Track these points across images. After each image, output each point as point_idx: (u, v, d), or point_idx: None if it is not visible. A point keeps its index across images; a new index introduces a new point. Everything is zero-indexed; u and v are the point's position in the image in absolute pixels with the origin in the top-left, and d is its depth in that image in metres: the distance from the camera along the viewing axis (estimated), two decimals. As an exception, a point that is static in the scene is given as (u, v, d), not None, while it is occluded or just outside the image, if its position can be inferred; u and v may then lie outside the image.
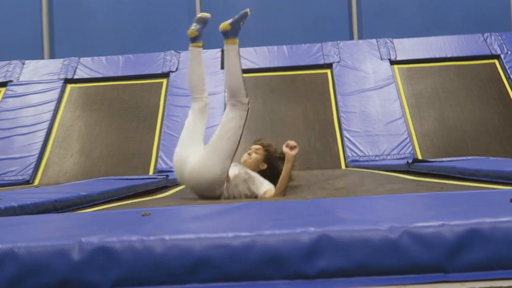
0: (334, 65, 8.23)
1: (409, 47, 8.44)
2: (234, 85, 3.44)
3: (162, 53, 8.69)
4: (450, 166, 4.01)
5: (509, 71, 7.82)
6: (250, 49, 8.61)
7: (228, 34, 3.57)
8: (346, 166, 6.91)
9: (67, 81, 8.40)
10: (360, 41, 8.75)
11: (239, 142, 3.31)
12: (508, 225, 1.35)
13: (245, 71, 8.27)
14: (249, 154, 3.56)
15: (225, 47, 3.59)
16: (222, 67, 8.35)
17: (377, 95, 7.76)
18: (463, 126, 7.34)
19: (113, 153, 7.37)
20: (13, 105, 8.01)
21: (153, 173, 6.97)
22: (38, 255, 1.29)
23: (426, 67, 8.17)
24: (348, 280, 1.32)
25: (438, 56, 8.24)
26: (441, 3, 9.83)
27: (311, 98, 7.93)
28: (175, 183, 4.96)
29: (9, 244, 1.31)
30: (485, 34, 8.43)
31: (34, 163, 7.21)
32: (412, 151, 7.01)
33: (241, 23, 3.58)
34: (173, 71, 8.38)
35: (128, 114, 7.89)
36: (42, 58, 9.82)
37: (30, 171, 7.11)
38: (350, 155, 7.02)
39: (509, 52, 8.09)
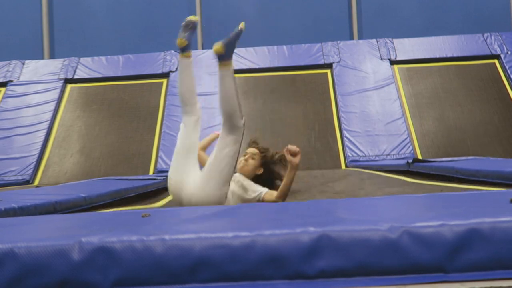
0: (334, 65, 8.24)
1: (409, 47, 8.44)
2: (230, 109, 3.23)
3: (162, 53, 8.69)
4: (450, 166, 4.00)
5: (509, 71, 7.82)
6: (250, 49, 8.62)
7: (222, 57, 3.23)
8: (346, 166, 6.91)
9: (67, 81, 8.40)
10: (360, 41, 8.75)
11: (236, 164, 3.19)
12: (507, 225, 1.35)
13: (245, 71, 8.33)
14: (245, 160, 3.40)
15: (219, 72, 3.30)
16: (222, 67, 8.34)
17: (377, 95, 7.76)
18: (463, 126, 7.34)
19: (113, 153, 7.37)
20: (13, 105, 8.01)
21: (153, 173, 6.97)
22: (38, 255, 1.29)
23: (426, 67, 8.17)
24: (348, 280, 1.32)
25: (438, 56, 8.24)
26: (441, 3, 9.83)
27: (311, 98, 7.93)
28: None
29: (9, 244, 1.31)
30: (485, 34, 8.44)
31: (34, 163, 7.21)
32: (412, 151, 7.01)
33: (236, 42, 3.30)
34: (173, 71, 8.38)
35: (128, 114, 7.89)
36: (42, 58, 9.82)
37: (30, 171, 7.11)
38: (350, 155, 7.02)
39: (509, 52, 8.09)
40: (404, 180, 4.33)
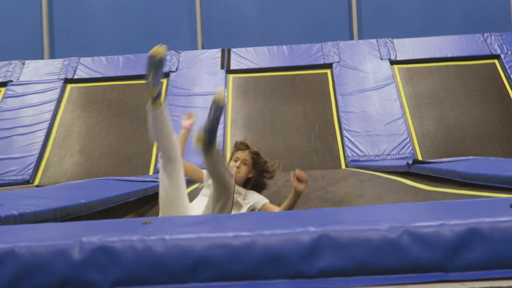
0: (334, 65, 8.24)
1: (409, 47, 8.44)
2: (222, 182, 2.81)
3: (162, 53, 8.68)
4: (450, 169, 3.96)
5: (509, 71, 7.82)
6: (250, 49, 8.62)
7: (205, 145, 2.72)
8: (346, 166, 6.91)
9: (67, 81, 8.40)
10: (360, 41, 8.75)
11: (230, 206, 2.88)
12: (507, 225, 1.35)
13: (245, 71, 8.34)
14: (237, 167, 3.22)
15: (205, 162, 2.81)
16: (222, 67, 8.36)
17: (377, 95, 7.76)
18: (463, 126, 7.34)
19: (113, 153, 7.37)
20: (13, 105, 8.01)
21: (153, 173, 6.97)
22: (39, 255, 1.29)
23: (426, 67, 8.17)
24: (348, 279, 1.33)
25: (438, 56, 8.24)
26: (441, 3, 9.83)
27: (311, 98, 7.93)
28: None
29: (10, 244, 1.32)
30: (485, 34, 8.44)
31: (34, 163, 7.21)
32: (412, 151, 7.01)
33: (218, 122, 2.78)
34: (173, 71, 8.38)
35: (128, 114, 7.89)
36: (42, 58, 9.82)
37: (30, 171, 7.11)
38: (350, 155, 7.02)
39: (509, 52, 8.09)
40: (404, 184, 4.30)
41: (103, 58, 8.69)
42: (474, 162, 4.49)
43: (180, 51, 8.74)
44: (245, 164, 3.26)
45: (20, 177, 7.03)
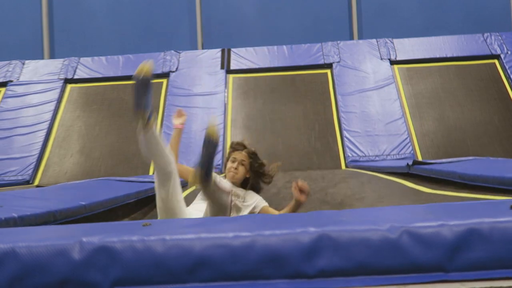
0: (334, 65, 8.24)
1: (409, 47, 8.44)
2: (219, 203, 2.77)
3: (162, 53, 8.69)
4: (450, 171, 3.94)
5: (509, 71, 7.82)
6: (250, 49, 8.62)
7: (202, 182, 2.62)
8: (346, 166, 6.91)
9: (67, 81, 8.40)
10: (360, 41, 8.75)
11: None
12: (507, 225, 1.35)
13: (245, 71, 8.34)
14: (235, 168, 3.14)
15: (202, 192, 2.79)
16: (222, 67, 8.36)
17: (377, 95, 7.76)
18: (463, 126, 7.34)
19: (113, 153, 7.37)
20: (13, 105, 8.01)
21: (153, 173, 6.97)
22: (39, 255, 1.29)
23: (426, 67, 8.17)
24: (348, 279, 1.33)
25: (438, 56, 8.24)
26: (441, 3, 9.83)
27: (311, 98, 7.93)
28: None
29: (10, 244, 1.32)
30: (485, 34, 8.44)
31: (34, 163, 7.21)
32: (412, 151, 7.00)
33: (213, 157, 2.64)
34: (173, 71, 8.38)
35: (128, 114, 7.88)
36: (42, 58, 9.82)
37: (30, 171, 7.11)
38: (350, 155, 7.02)
39: (509, 52, 8.09)
40: (404, 186, 4.28)
41: (103, 58, 8.69)
42: (474, 163, 4.48)
43: (180, 51, 8.74)
44: (242, 164, 3.17)
45: (20, 177, 7.03)
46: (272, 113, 7.75)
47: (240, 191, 3.10)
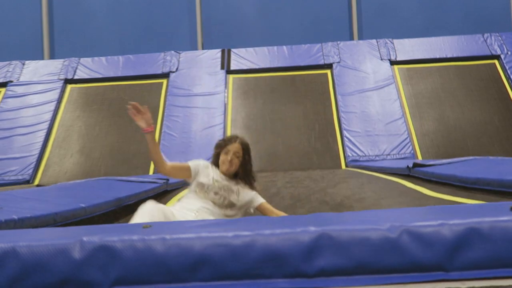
0: (334, 65, 8.24)
1: (409, 47, 8.45)
2: None
3: (162, 54, 8.70)
4: (450, 174, 3.91)
5: (509, 71, 7.82)
6: (250, 49, 8.62)
7: None
8: (346, 166, 6.91)
9: (67, 81, 8.41)
10: (360, 42, 8.76)
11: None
12: (507, 224, 1.35)
13: (245, 71, 8.34)
14: (230, 161, 3.03)
15: None
16: (222, 67, 8.36)
17: (377, 95, 7.76)
18: (463, 126, 7.35)
19: (113, 153, 7.37)
20: (13, 105, 8.02)
21: (153, 173, 6.97)
22: (40, 254, 1.29)
23: (426, 68, 8.18)
24: (348, 278, 1.32)
25: (438, 56, 8.25)
26: (441, 3, 9.83)
27: (311, 98, 7.93)
28: (175, 187, 4.92)
29: (10, 243, 1.31)
30: (485, 35, 8.44)
31: (34, 163, 7.21)
32: (412, 151, 7.01)
33: None
34: (173, 71, 8.39)
35: (128, 114, 7.88)
36: (42, 58, 9.83)
37: (30, 171, 7.11)
38: (350, 155, 7.02)
39: (509, 53, 8.10)
40: (404, 186, 4.27)
41: (103, 58, 8.70)
42: (474, 164, 4.45)
43: (180, 52, 8.74)
44: (237, 157, 3.11)
45: (20, 177, 7.04)
46: (272, 113, 7.76)
47: (233, 185, 3.01)
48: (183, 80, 8.22)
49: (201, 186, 2.93)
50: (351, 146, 7.13)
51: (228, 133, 7.39)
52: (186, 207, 2.85)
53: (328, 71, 8.28)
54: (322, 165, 6.92)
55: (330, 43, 8.58)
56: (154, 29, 10.04)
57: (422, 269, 1.33)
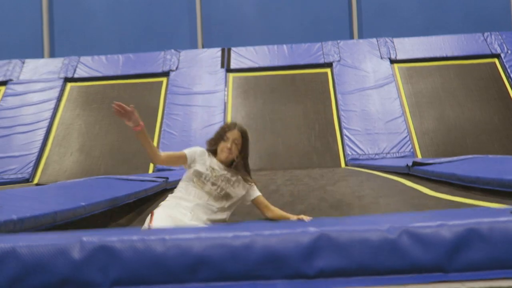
0: (334, 64, 8.24)
1: (409, 46, 8.44)
2: None
3: (162, 52, 8.70)
4: (450, 173, 3.90)
5: (509, 70, 7.82)
6: (250, 48, 8.62)
7: None
8: (346, 164, 6.91)
9: (67, 80, 8.40)
10: (360, 41, 8.76)
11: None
12: (506, 225, 1.35)
13: (245, 70, 8.34)
14: (229, 148, 2.97)
15: None
16: (222, 66, 8.36)
17: (377, 94, 7.76)
18: (463, 125, 7.35)
19: (113, 152, 7.37)
20: (13, 103, 8.01)
21: (153, 171, 6.97)
22: (40, 254, 1.29)
23: (426, 66, 8.17)
24: (347, 279, 1.32)
25: (438, 55, 8.24)
26: (441, 2, 9.83)
27: (311, 97, 7.93)
28: (174, 186, 4.90)
29: (10, 243, 1.32)
30: (485, 34, 8.44)
31: (33, 162, 7.21)
32: (411, 150, 7.01)
33: None
34: (173, 70, 8.38)
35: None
36: (42, 57, 9.82)
37: (30, 170, 7.11)
38: (350, 153, 7.02)
39: (509, 52, 8.09)
40: (403, 184, 4.25)
41: (103, 57, 8.69)
42: (473, 163, 4.45)
43: (180, 50, 8.74)
44: (236, 144, 3.06)
45: (20, 176, 7.04)
46: (272, 112, 7.76)
47: (230, 176, 2.97)
48: (183, 79, 8.22)
49: (199, 175, 2.88)
50: (351, 144, 7.13)
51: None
52: (181, 204, 2.80)
53: (328, 70, 8.27)
54: (322, 164, 6.92)
55: (330, 42, 8.58)
56: (154, 28, 10.04)
57: (422, 270, 1.34)
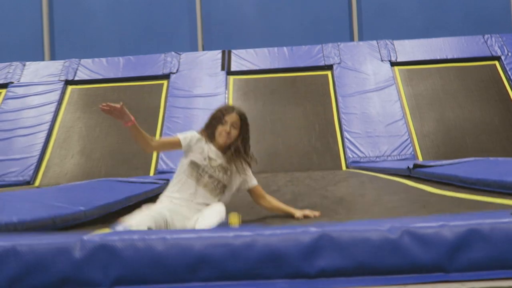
0: (334, 67, 8.24)
1: (409, 48, 8.45)
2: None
3: (163, 55, 8.70)
4: (451, 174, 3.91)
5: (509, 73, 7.82)
6: (251, 50, 8.62)
7: None
8: (347, 167, 6.91)
9: (68, 82, 8.41)
10: (361, 43, 8.76)
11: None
12: (507, 226, 1.35)
13: (245, 72, 8.34)
14: (227, 132, 2.90)
15: None
16: (222, 68, 8.36)
17: (378, 96, 7.76)
18: (464, 127, 7.35)
19: (113, 154, 7.37)
20: (13, 106, 8.02)
21: (154, 173, 6.97)
22: (40, 253, 1.29)
23: (427, 69, 8.18)
24: (348, 279, 1.32)
25: (438, 57, 8.25)
26: (441, 4, 9.84)
27: (311, 99, 7.93)
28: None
29: (11, 242, 1.32)
30: (486, 36, 8.44)
31: (34, 164, 7.21)
32: (412, 152, 7.01)
33: None
34: (174, 73, 8.39)
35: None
36: (43, 59, 9.84)
37: (31, 172, 7.11)
38: (350, 156, 7.02)
39: (509, 54, 8.09)
40: (405, 185, 4.26)
41: (103, 59, 8.70)
42: (474, 165, 4.44)
43: (181, 53, 8.75)
44: (234, 127, 3.00)
45: (21, 178, 7.03)
46: (273, 114, 7.76)
47: (228, 164, 2.90)
48: (183, 81, 8.23)
49: (196, 167, 2.83)
50: (351, 147, 7.13)
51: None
52: (176, 203, 2.74)
53: (329, 72, 8.28)
54: (323, 166, 6.91)
55: (330, 44, 8.58)
56: (154, 30, 10.05)
57: (423, 270, 1.34)
